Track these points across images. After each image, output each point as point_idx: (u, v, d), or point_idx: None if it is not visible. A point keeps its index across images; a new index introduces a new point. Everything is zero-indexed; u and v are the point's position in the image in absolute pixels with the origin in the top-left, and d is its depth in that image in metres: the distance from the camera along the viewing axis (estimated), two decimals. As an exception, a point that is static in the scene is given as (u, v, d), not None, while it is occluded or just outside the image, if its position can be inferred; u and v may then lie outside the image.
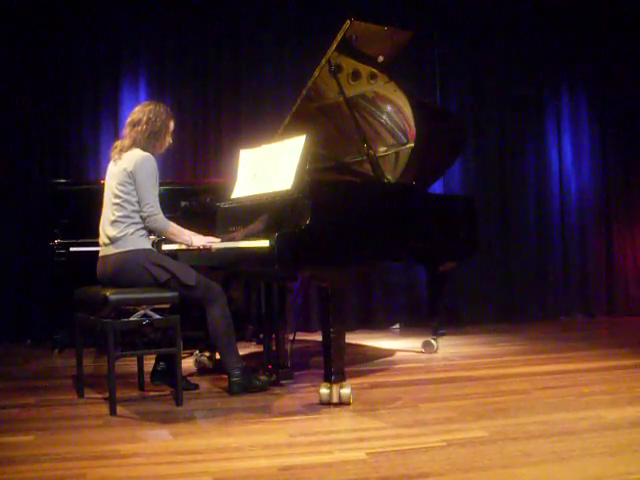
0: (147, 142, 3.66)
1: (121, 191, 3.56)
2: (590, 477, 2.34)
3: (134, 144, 3.64)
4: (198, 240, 3.74)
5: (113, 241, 3.55)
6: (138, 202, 3.56)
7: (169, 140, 3.80)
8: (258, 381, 3.74)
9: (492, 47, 7.08)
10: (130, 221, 3.55)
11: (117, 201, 3.57)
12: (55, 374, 4.48)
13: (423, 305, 6.66)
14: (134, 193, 3.55)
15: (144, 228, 3.60)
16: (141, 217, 3.57)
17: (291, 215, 3.48)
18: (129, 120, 3.72)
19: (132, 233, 3.55)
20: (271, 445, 2.77)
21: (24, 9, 5.96)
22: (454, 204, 4.97)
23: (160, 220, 3.59)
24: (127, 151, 3.62)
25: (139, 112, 3.71)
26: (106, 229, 3.60)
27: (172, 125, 3.79)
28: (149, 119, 3.67)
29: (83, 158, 6.17)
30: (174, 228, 3.67)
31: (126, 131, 3.71)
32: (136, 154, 3.60)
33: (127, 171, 3.55)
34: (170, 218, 3.70)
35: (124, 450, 2.73)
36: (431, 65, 6.87)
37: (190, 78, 6.42)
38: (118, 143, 3.73)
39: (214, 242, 3.77)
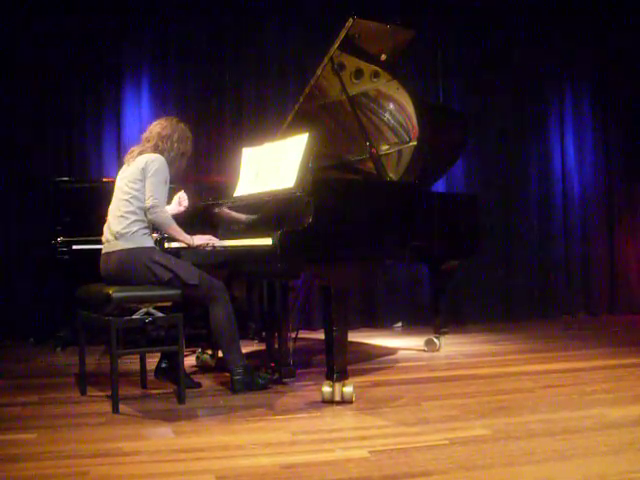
0: (174, 159, 3.70)
1: (131, 188, 3.58)
2: (593, 476, 2.33)
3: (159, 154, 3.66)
4: (198, 239, 3.75)
5: (117, 237, 3.56)
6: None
7: (186, 163, 3.85)
8: (260, 379, 3.74)
9: (495, 46, 7.07)
10: (135, 217, 3.56)
11: (126, 197, 3.58)
12: (57, 372, 4.49)
13: (425, 303, 6.66)
14: (144, 190, 3.57)
15: (148, 227, 3.61)
16: (145, 208, 3.56)
17: (294, 213, 3.48)
18: (158, 130, 3.71)
19: (135, 231, 3.55)
20: (273, 443, 2.78)
21: (27, 6, 5.97)
22: (457, 202, 4.96)
23: (162, 215, 3.59)
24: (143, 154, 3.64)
25: (170, 127, 3.73)
26: (111, 225, 3.61)
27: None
28: (180, 137, 3.72)
29: (86, 156, 6.16)
30: (176, 226, 3.68)
31: (150, 138, 3.70)
32: (149, 154, 3.62)
33: (139, 169, 3.58)
34: (173, 216, 3.71)
35: (126, 448, 2.74)
36: (434, 64, 6.86)
37: (192, 76, 6.42)
38: (136, 148, 3.73)
39: (214, 241, 3.78)
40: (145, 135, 3.77)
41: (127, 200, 3.57)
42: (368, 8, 5.56)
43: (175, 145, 3.70)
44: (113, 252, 3.57)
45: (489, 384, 3.92)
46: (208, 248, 3.77)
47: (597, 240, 7.38)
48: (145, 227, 3.59)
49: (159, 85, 6.35)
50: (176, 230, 3.68)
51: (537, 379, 4.00)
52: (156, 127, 3.75)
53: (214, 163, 6.39)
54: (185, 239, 3.72)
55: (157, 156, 3.63)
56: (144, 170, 3.56)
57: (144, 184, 3.56)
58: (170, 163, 3.68)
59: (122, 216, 3.57)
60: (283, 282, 4.04)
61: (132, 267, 3.52)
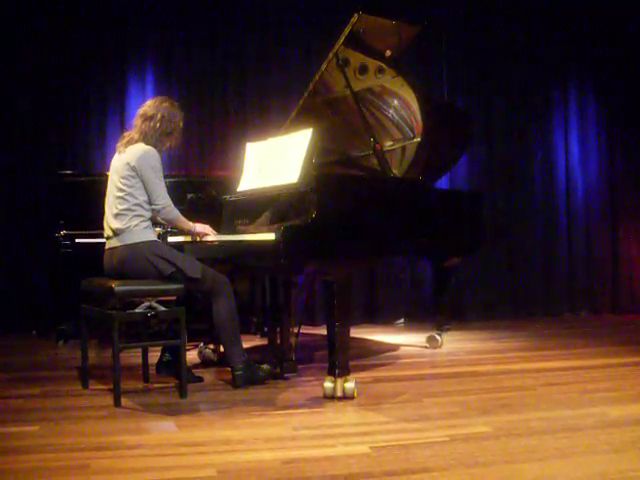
0: (158, 140, 3.68)
1: (124, 184, 3.57)
2: (594, 474, 2.33)
3: (143, 139, 3.64)
4: (200, 227, 3.85)
5: (118, 234, 3.56)
6: (147, 196, 3.57)
7: (177, 142, 3.81)
8: (261, 371, 3.75)
9: (500, 44, 7.05)
10: (133, 213, 3.56)
11: (120, 194, 3.58)
12: (60, 365, 4.49)
13: (428, 300, 6.65)
14: (138, 186, 3.56)
15: (148, 219, 3.61)
16: (155, 210, 3.60)
17: (297, 208, 3.48)
18: (141, 112, 3.71)
19: (136, 225, 3.56)
20: (275, 438, 2.78)
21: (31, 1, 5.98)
22: (460, 199, 4.95)
23: (173, 210, 3.66)
24: (133, 144, 3.63)
25: (154, 107, 3.70)
26: (110, 222, 3.61)
27: (181, 126, 3.81)
28: (163, 117, 3.68)
29: (89, 149, 6.17)
30: (183, 217, 3.76)
31: (137, 123, 3.70)
32: (139, 148, 3.60)
33: (130, 165, 3.56)
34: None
35: (128, 441, 2.74)
36: (439, 61, 6.84)
37: (197, 71, 6.42)
38: (126, 134, 3.73)
39: (211, 232, 3.88)
40: (134, 120, 3.79)
41: (122, 197, 3.57)
42: (373, 3, 5.56)
43: (158, 125, 3.66)
44: (116, 248, 3.57)
45: (491, 381, 3.92)
46: (208, 239, 3.80)
47: (600, 238, 7.37)
48: (144, 220, 3.59)
49: (163, 79, 6.35)
50: (183, 221, 3.76)
51: (539, 377, 4.00)
52: (140, 109, 3.75)
53: (218, 158, 6.38)
54: (190, 228, 3.82)
55: (144, 150, 3.59)
56: (135, 168, 3.54)
57: (137, 180, 3.56)
58: (156, 145, 3.66)
59: (119, 214, 3.56)
60: (286, 277, 4.04)
61: (134, 262, 3.52)
